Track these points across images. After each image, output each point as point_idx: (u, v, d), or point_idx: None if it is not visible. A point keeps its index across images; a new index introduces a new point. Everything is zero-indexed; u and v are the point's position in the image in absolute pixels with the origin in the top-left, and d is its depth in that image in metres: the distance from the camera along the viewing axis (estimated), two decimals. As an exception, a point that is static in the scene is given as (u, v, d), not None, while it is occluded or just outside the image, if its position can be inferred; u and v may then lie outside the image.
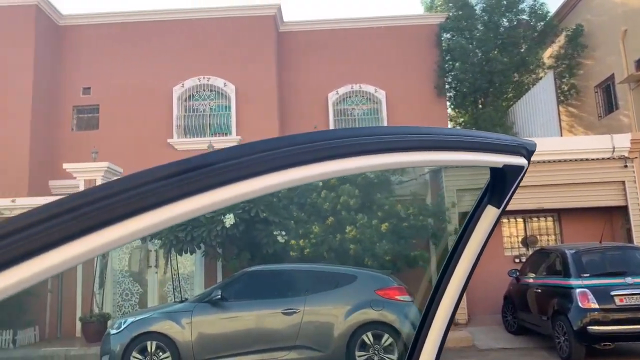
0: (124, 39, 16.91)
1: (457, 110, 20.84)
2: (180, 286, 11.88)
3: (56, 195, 14.38)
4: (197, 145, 15.77)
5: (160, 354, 7.74)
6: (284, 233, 10.02)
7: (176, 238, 10.43)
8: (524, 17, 18.73)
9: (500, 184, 1.08)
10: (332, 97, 17.46)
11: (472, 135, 0.96)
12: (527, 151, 1.03)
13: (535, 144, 1.06)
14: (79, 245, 0.61)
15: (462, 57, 17.62)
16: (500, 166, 1.02)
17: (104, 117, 16.63)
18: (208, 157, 0.69)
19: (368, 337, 8.00)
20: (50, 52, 16.57)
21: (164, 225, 0.65)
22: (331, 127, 17.16)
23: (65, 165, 12.62)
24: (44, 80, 16.11)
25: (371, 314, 8.04)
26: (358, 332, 7.99)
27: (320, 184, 10.36)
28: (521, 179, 1.08)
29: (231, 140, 16.19)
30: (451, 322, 1.20)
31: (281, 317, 8.01)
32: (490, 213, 1.13)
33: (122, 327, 7.92)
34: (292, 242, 10.03)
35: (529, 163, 1.05)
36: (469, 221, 1.15)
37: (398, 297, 8.18)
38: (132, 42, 16.88)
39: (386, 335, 8.01)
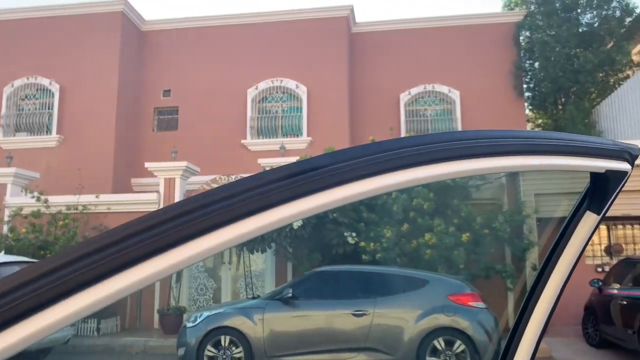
0: (201, 43, 17.54)
1: (535, 112, 20.02)
2: (252, 283, 12.16)
3: (138, 192, 15.12)
4: (270, 146, 16.09)
5: (233, 348, 7.95)
6: (354, 234, 10.02)
7: (247, 237, 10.66)
8: (610, 12, 17.71)
9: (601, 189, 1.04)
10: (404, 97, 17.27)
11: (575, 140, 0.92)
12: (631, 156, 0.98)
13: (639, 148, 1.01)
14: (195, 246, 0.65)
15: (542, 55, 16.91)
16: (603, 171, 0.98)
17: (182, 119, 17.32)
18: (313, 161, 0.71)
19: (439, 343, 7.84)
20: (134, 57, 17.46)
21: (272, 227, 0.68)
22: (403, 128, 16.98)
23: (147, 164, 13.24)
24: (127, 84, 16.99)
25: (443, 320, 7.88)
26: (429, 337, 7.85)
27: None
28: (624, 184, 1.03)
29: (302, 141, 16.38)
30: (544, 333, 1.16)
31: (351, 318, 8.02)
32: (590, 220, 1.08)
33: (198, 320, 8.20)
34: (362, 244, 10.00)
35: (632, 168, 1.00)
36: (566, 228, 1.11)
37: (472, 304, 7.96)
38: (209, 46, 17.48)
39: (458, 342, 7.82)
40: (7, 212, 12.70)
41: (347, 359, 7.92)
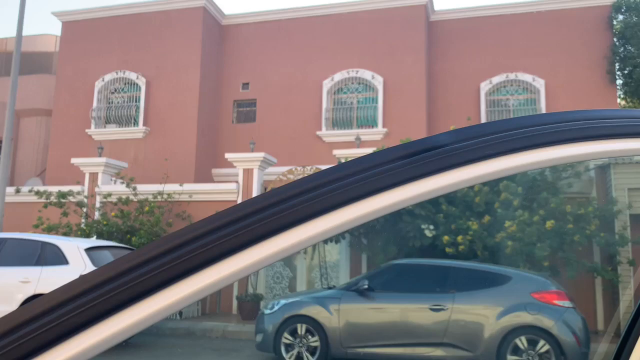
0: (279, 35, 17.77)
1: (629, 100, 18.71)
2: (327, 273, 12.24)
3: (218, 182, 15.62)
4: (345, 137, 16.08)
5: (310, 337, 8.03)
6: (432, 227, 9.82)
7: (323, 227, 10.73)
8: None
9: None
10: (484, 87, 16.68)
11: None
12: None
13: None
14: (304, 230, 0.62)
15: (637, 39, 15.74)
16: None
17: (260, 111, 17.67)
18: (431, 140, 0.66)
19: (522, 342, 7.53)
20: (214, 51, 17.98)
21: (393, 208, 0.63)
22: (483, 118, 16.42)
23: (226, 155, 13.63)
24: (208, 77, 17.54)
25: (526, 318, 7.56)
26: (510, 335, 7.56)
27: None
28: None
29: (378, 132, 16.24)
30: None
31: (428, 313, 7.87)
32: None
33: (275, 308, 8.35)
34: (445, 238, 9.76)
35: None
36: None
37: (557, 302, 7.58)
38: (286, 39, 17.68)
39: (542, 341, 7.47)
40: (98, 199, 13.50)
41: (424, 354, 7.79)
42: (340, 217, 0.62)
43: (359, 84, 17.14)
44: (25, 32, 13.41)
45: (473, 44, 16.90)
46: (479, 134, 0.65)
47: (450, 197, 10.17)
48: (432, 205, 10.08)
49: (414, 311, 7.96)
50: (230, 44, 18.32)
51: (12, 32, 27.61)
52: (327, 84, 17.13)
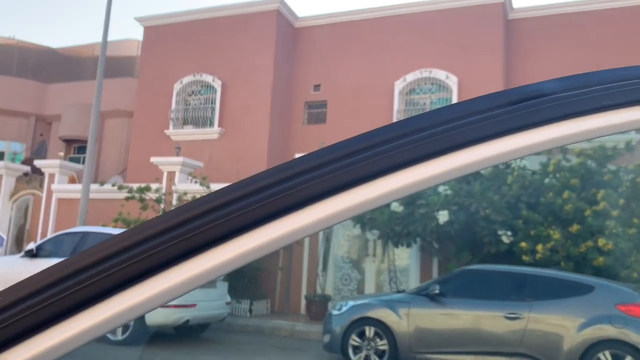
0: (351, 36, 17.74)
1: None
2: (396, 277, 12.04)
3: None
4: (417, 139, 15.82)
5: (378, 340, 7.90)
6: (509, 233, 9.40)
7: (392, 231, 10.58)
8: None
9: None
10: (565, 87, 15.86)
11: None
12: None
13: None
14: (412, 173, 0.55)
15: None
16: None
17: (331, 112, 17.71)
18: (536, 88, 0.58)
19: (605, 356, 7.04)
20: (287, 53, 18.22)
21: (489, 163, 0.55)
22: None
23: (297, 156, 13.72)
24: (281, 79, 17.80)
25: (610, 331, 7.07)
26: (593, 348, 7.08)
27: (557, 182, 9.45)
28: None
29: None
30: None
31: (503, 321, 7.53)
32: None
33: (343, 309, 8.28)
34: (523, 244, 9.30)
35: None
36: None
37: (646, 316, 7.04)
38: (358, 39, 17.62)
39: (629, 358, 6.96)
40: (175, 196, 14.01)
41: (497, 364, 7.47)
42: (431, 168, 0.54)
43: (432, 84, 16.80)
44: (110, 38, 14.15)
45: (555, 42, 16.12)
46: (598, 82, 0.55)
47: (532, 203, 9.68)
48: (510, 211, 9.64)
49: (487, 318, 7.65)
50: (303, 45, 18.49)
51: (98, 38, 29.26)
52: (399, 85, 16.91)
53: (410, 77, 16.81)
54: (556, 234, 9.13)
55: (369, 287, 12.50)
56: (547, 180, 9.72)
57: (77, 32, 71.30)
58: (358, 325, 8.04)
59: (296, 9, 18.53)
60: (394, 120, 16.68)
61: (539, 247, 9.19)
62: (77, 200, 14.01)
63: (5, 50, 24.99)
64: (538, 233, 9.29)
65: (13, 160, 20.66)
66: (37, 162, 16.94)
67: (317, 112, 18.19)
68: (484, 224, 9.67)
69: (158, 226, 0.55)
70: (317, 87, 18.18)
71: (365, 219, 10.64)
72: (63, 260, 0.58)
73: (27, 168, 17.67)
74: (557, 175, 9.57)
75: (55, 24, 72.57)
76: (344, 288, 12.79)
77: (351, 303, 8.49)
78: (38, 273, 0.58)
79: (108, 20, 13.59)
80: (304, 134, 17.74)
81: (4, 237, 14.99)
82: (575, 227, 9.15)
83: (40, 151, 22.63)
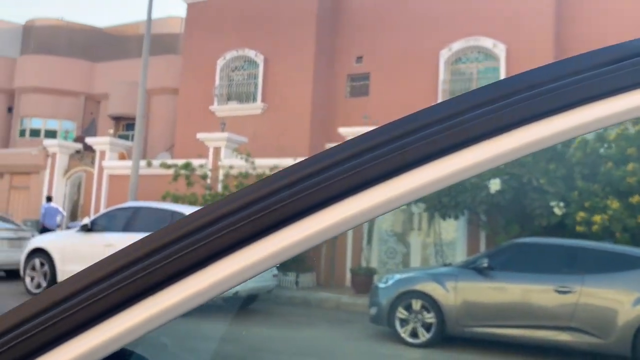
0: (393, 6, 17.34)
1: None
2: (442, 251, 11.94)
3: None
4: (463, 110, 15.46)
5: (425, 313, 7.89)
6: (562, 204, 9.11)
7: (440, 202, 10.45)
8: None
9: None
10: (621, 52, 15.12)
11: None
12: None
13: None
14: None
15: None
16: None
17: (374, 84, 17.48)
18: None
19: (663, 331, 6.82)
20: (329, 25, 18.00)
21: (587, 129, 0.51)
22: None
23: (340, 130, 13.68)
24: (323, 52, 17.64)
25: (668, 306, 6.83)
26: (650, 324, 6.87)
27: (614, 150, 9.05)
28: None
29: (499, 104, 15.42)
30: None
31: (553, 295, 7.38)
32: None
33: (390, 282, 8.30)
34: (581, 214, 8.95)
35: None
36: None
37: None
38: (401, 9, 17.21)
39: (688, 333, 6.72)
40: (221, 172, 14.24)
41: (548, 337, 7.34)
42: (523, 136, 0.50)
43: (479, 52, 16.31)
44: (153, 16, 14.31)
45: (609, 4, 15.30)
46: None
47: (588, 174, 9.33)
48: (563, 181, 9.33)
49: (537, 292, 7.51)
50: (344, 17, 18.23)
51: (142, 17, 29.82)
52: (444, 54, 16.49)
53: (456, 45, 16.36)
54: (614, 204, 8.78)
55: (415, 261, 12.46)
56: (602, 150, 9.33)
57: (122, 11, 72.58)
58: (405, 298, 8.04)
59: (337, -20, 18.23)
60: (439, 91, 16.33)
61: (596, 217, 8.87)
62: (127, 176, 14.43)
63: (54, 31, 25.71)
64: (594, 204, 8.95)
65: (65, 138, 21.42)
66: (89, 140, 17.50)
67: (359, 85, 17.99)
68: (535, 195, 9.41)
69: (218, 211, 0.54)
70: (359, 59, 17.94)
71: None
72: (130, 245, 0.58)
73: (79, 146, 18.29)
74: (616, 144, 9.14)
75: (101, 4, 74.01)
76: (389, 261, 12.79)
77: (397, 276, 8.48)
78: (119, 251, 0.58)
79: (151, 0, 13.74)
80: (346, 108, 17.61)
81: (64, 213, 15.66)
82: (636, 198, 8.77)
83: (90, 129, 23.38)
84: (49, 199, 15.24)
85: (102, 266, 0.56)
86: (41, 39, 25.46)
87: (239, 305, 9.45)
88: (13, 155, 19.37)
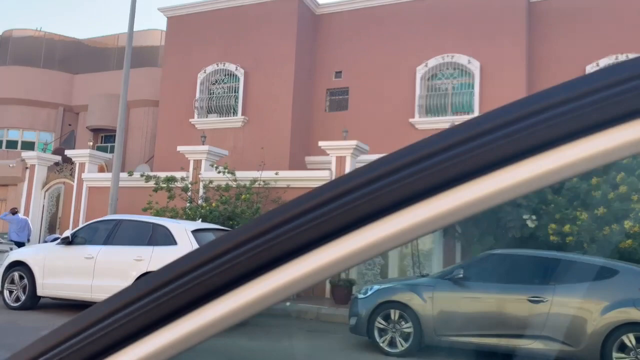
0: (372, 22, 17.72)
1: None
2: (419, 262, 12.19)
3: (311, 169, 15.98)
4: (438, 124, 15.80)
5: (403, 323, 8.08)
6: (534, 217, 9.46)
7: (416, 215, 10.68)
8: None
9: None
10: (591, 69, 15.67)
11: None
12: None
13: None
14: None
15: None
16: None
17: (353, 99, 17.78)
18: None
19: (629, 339, 7.11)
20: (309, 40, 18.29)
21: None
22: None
23: (320, 143, 13.90)
24: (303, 67, 17.89)
25: (634, 314, 7.13)
26: (617, 331, 7.16)
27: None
28: None
29: (474, 119, 15.81)
30: None
31: (526, 304, 7.64)
32: None
33: (369, 293, 8.47)
34: (552, 225, 9.31)
35: None
36: None
37: (671, 299, 7.08)
38: (379, 26, 17.60)
39: (653, 340, 7.02)
40: (201, 184, 14.31)
41: (521, 345, 7.60)
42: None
43: (455, 69, 16.75)
44: (134, 29, 14.38)
45: (579, 24, 15.90)
46: None
47: (555, 188, 9.72)
48: (535, 195, 9.69)
49: (511, 302, 7.76)
50: (324, 32, 18.54)
51: (122, 29, 29.92)
52: (420, 70, 16.90)
53: (432, 62, 16.78)
54: (584, 215, 9.16)
55: (393, 272, 12.68)
56: None
57: (101, 23, 72.06)
58: (383, 308, 8.22)
59: (317, -4, 18.53)
60: (416, 106, 16.69)
61: (566, 227, 9.23)
62: (107, 188, 14.40)
63: (33, 42, 25.53)
64: (563, 217, 9.33)
65: (44, 150, 21.21)
66: (68, 152, 17.40)
67: (338, 99, 18.28)
68: (509, 208, 9.74)
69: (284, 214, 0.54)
70: (338, 73, 18.25)
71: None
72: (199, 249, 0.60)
73: (58, 158, 18.15)
74: None
75: (80, 16, 73.39)
76: (368, 272, 12.99)
77: (376, 287, 8.67)
78: (186, 254, 0.59)
79: (134, 12, 13.83)
80: (326, 121, 17.86)
81: (31, 227, 15.07)
82: (600, 210, 9.17)
83: (69, 141, 23.19)
84: (14, 211, 14.64)
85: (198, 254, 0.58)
86: (19, 49, 25.24)
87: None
88: (-11, 167, 19.12)
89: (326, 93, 18.40)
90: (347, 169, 13.25)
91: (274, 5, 18.00)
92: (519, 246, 9.50)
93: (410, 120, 16.67)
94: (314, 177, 13.53)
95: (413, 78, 16.94)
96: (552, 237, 9.35)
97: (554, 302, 7.48)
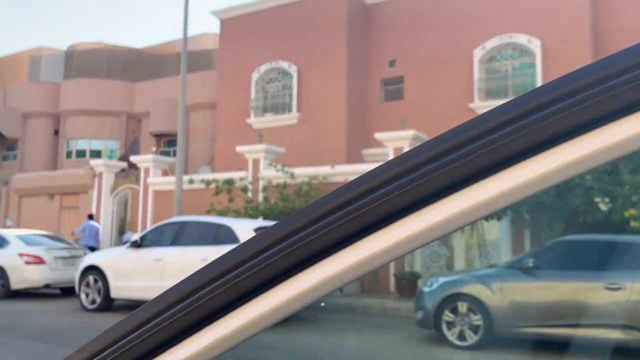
0: (424, 8, 17.32)
1: None
2: (486, 252, 11.83)
3: (369, 162, 15.84)
4: (499, 108, 15.29)
5: (472, 315, 7.85)
6: (607, 200, 8.94)
7: (481, 203, 10.34)
8: None
9: None
10: (663, 40, 14.65)
11: None
12: None
13: None
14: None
15: None
16: None
17: (408, 87, 17.48)
18: None
19: None
20: (359, 32, 18.12)
21: None
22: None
23: (376, 135, 13.73)
24: (355, 59, 17.75)
25: None
26: None
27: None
28: None
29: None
30: None
31: (603, 292, 7.24)
32: None
33: (435, 285, 8.29)
34: (631, 211, 8.77)
35: None
36: None
37: None
38: (431, 10, 17.18)
39: None
40: (261, 183, 14.49)
41: (599, 335, 7.21)
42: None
43: (514, 49, 16.11)
44: (188, 34, 14.71)
45: (647, -8, 14.90)
46: None
47: (631, 167, 9.13)
48: (609, 176, 9.15)
49: (586, 290, 7.39)
50: (375, 23, 18.31)
51: (177, 35, 30.95)
52: (478, 53, 16.36)
53: (490, 43, 16.21)
54: None
55: (459, 263, 12.37)
56: None
57: (158, 31, 74.55)
58: (450, 301, 8.02)
59: (366, -14, 18.31)
60: (475, 90, 16.20)
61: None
62: (171, 191, 14.85)
63: (95, 54, 26.70)
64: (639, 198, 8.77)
65: (110, 157, 22.18)
66: (133, 158, 18.07)
67: (394, 89, 18.01)
68: (579, 192, 9.26)
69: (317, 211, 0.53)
70: (392, 63, 17.98)
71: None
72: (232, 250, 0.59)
73: (124, 164, 18.90)
74: None
75: (138, 25, 76.28)
76: (433, 265, 12.74)
77: (442, 279, 8.48)
78: (227, 253, 0.59)
79: (187, 17, 14.15)
80: (382, 112, 17.66)
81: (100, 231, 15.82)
82: None
83: (133, 147, 24.13)
84: (90, 217, 15.60)
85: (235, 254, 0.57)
86: (83, 62, 26.49)
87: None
88: (62, 177, 20.18)
89: (380, 83, 18.18)
90: (406, 160, 13.00)
91: (323, 0, 17.95)
92: (592, 232, 9.03)
93: (470, 105, 16.19)
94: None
95: (470, 62, 16.44)
96: (633, 224, 8.80)
97: (634, 290, 7.05)
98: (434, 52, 16.87)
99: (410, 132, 13.13)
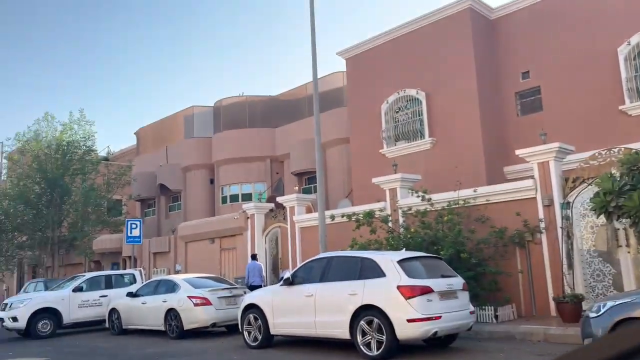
0: (552, 13, 16.41)
1: None
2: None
3: (511, 180, 15.09)
4: (657, 105, 13.81)
5: None
6: None
7: (647, 214, 9.34)
8: None
9: None
10: None
11: None
12: None
13: None
14: None
15: None
16: None
17: (546, 97, 16.53)
18: None
19: None
20: (487, 47, 17.62)
21: None
22: None
23: (517, 152, 13.07)
24: (484, 75, 17.25)
25: None
26: None
27: None
28: None
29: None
30: None
31: None
32: None
33: (602, 310, 7.61)
34: None
35: None
36: None
37: None
38: (561, 14, 16.22)
39: None
40: (400, 212, 14.50)
41: None
42: None
43: (665, 41, 14.55)
44: (318, 75, 15.43)
45: None
46: None
47: None
48: None
49: None
50: (503, 36, 17.70)
51: (308, 77, 32.62)
52: (622, 50, 15.02)
53: (636, 38, 14.80)
54: None
55: (628, 282, 11.19)
56: None
57: (291, 77, 78.99)
58: (624, 326, 7.30)
59: (489, 1, 17.74)
60: (624, 90, 14.85)
61: None
62: (316, 227, 15.44)
63: (238, 106, 29.05)
64: None
65: (259, 199, 23.72)
66: (279, 198, 19.19)
67: (530, 101, 17.14)
68: None
69: None
70: (525, 74, 17.17)
71: (610, 207, 9.53)
72: None
73: (272, 205, 20.12)
74: None
75: (273, 74, 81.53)
76: (597, 285, 11.66)
77: (610, 303, 7.75)
78: None
79: (315, 61, 14.88)
80: (520, 126, 16.85)
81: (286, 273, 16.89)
82: None
83: (278, 187, 25.61)
84: (254, 257, 16.85)
85: None
86: (228, 115, 28.94)
87: (440, 345, 9.40)
88: (220, 221, 22.00)
89: (515, 97, 17.41)
90: (552, 174, 12.21)
91: (445, 21, 17.81)
92: None
93: (621, 107, 14.83)
94: (515, 188, 12.75)
95: (614, 61, 15.13)
96: None
97: None
98: (570, 56, 15.82)
99: (554, 145, 12.33)
